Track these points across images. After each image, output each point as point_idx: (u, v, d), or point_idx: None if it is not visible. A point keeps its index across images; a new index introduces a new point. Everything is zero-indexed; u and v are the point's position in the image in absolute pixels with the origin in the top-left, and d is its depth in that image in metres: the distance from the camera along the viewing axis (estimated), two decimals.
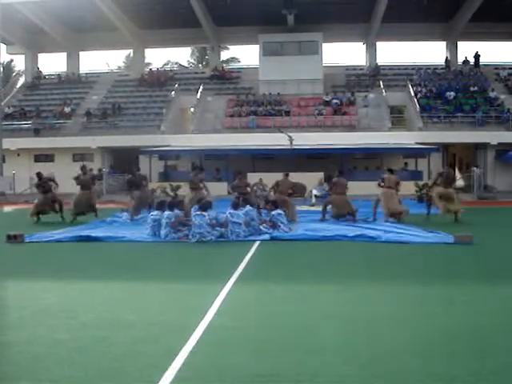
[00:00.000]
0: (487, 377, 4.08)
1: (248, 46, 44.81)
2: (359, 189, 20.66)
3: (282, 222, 12.83)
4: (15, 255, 10.53)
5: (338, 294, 6.95)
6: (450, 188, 15.18)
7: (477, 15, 34.74)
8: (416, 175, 28.72)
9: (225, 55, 45.92)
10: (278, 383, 4.01)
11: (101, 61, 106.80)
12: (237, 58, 53.36)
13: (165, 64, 53.42)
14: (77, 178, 16.90)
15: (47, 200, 16.32)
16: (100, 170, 30.19)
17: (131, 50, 46.46)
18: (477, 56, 38.72)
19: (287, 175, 16.63)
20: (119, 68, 56.69)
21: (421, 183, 23.43)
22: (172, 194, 19.64)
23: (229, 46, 43.57)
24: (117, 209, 18.29)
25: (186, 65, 55.01)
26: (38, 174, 16.97)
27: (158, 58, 75.64)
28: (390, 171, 16.10)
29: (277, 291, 7.08)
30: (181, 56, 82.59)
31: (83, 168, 17.21)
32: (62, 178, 29.50)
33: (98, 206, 17.41)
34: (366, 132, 32.06)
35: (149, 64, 46.79)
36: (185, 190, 18.09)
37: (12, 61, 53.37)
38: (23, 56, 43.38)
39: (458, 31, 38.13)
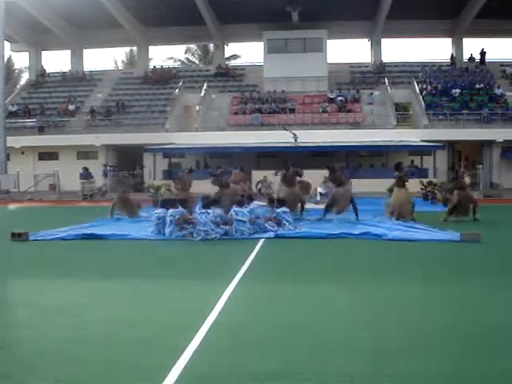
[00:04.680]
0: (495, 377, 4.02)
1: (252, 43, 44.67)
2: (364, 186, 20.64)
3: (286, 220, 12.76)
4: (20, 253, 10.51)
5: (344, 292, 6.89)
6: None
7: (483, 12, 34.57)
8: (421, 173, 28.62)
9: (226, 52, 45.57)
10: (283, 382, 3.97)
11: (105, 58, 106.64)
12: (238, 55, 53.21)
13: (168, 58, 53.37)
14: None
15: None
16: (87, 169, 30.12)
17: (132, 47, 46.34)
18: (482, 53, 38.52)
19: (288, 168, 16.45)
20: (121, 61, 56.73)
21: (425, 181, 23.34)
22: (176, 191, 19.53)
23: (229, 43, 43.34)
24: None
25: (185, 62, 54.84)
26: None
27: (159, 54, 75.25)
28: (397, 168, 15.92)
29: (282, 290, 7.03)
30: (178, 53, 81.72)
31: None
32: (66, 175, 29.85)
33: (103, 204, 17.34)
34: (370, 129, 31.95)
35: (151, 59, 46.64)
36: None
37: (10, 58, 53.11)
38: (27, 53, 43.41)
39: (464, 28, 37.94)
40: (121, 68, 53.61)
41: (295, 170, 16.23)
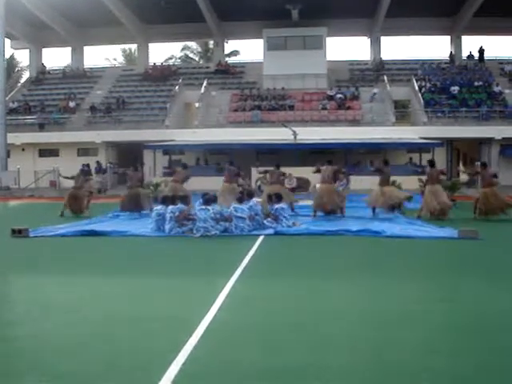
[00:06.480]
0: (492, 374, 4.06)
1: (252, 40, 44.71)
2: (363, 183, 20.75)
3: (284, 216, 12.85)
4: (20, 250, 10.55)
5: (342, 289, 6.96)
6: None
7: (481, 9, 34.57)
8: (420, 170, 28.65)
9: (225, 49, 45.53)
10: (283, 378, 4.00)
11: (105, 55, 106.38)
12: (237, 52, 53.15)
13: (169, 58, 53.28)
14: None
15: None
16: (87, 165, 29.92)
17: (129, 45, 46.21)
18: (481, 50, 38.56)
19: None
20: (116, 59, 56.72)
21: (424, 178, 23.37)
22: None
23: (229, 41, 43.33)
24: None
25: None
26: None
27: (159, 52, 75.00)
28: (431, 163, 16.04)
29: (281, 286, 7.09)
30: (177, 51, 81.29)
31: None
32: (66, 172, 29.81)
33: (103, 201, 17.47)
34: (370, 127, 32.00)
35: (150, 52, 46.54)
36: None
37: (13, 55, 53.11)
38: (27, 51, 43.40)
39: (463, 26, 37.95)
40: (118, 65, 53.52)
41: (338, 168, 16.43)
